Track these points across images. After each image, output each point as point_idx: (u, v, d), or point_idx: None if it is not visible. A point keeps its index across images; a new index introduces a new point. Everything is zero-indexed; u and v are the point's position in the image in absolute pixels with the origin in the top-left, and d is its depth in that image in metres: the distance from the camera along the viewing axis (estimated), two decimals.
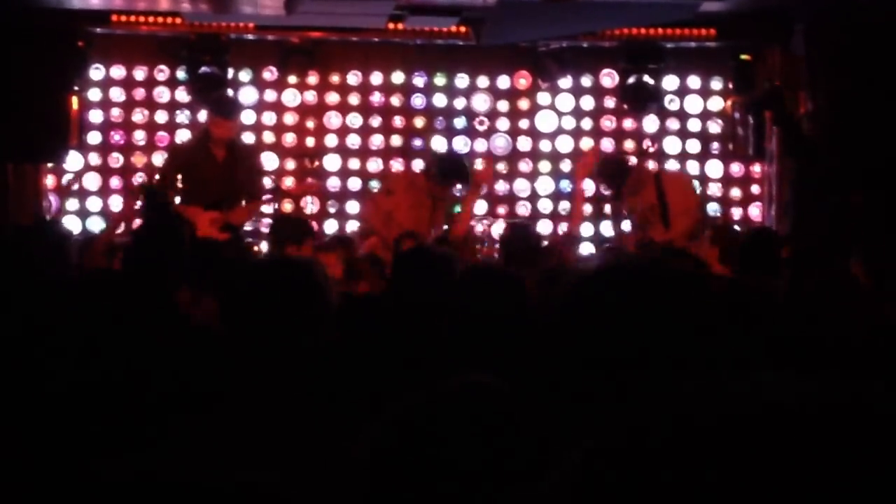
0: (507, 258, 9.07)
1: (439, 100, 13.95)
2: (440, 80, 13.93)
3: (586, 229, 13.79)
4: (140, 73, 13.60)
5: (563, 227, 13.78)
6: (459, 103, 13.98)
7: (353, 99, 13.85)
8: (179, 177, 11.23)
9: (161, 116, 13.62)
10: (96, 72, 13.42)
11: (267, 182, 12.94)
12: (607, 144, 14.04)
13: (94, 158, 13.54)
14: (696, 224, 11.45)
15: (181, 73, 13.40)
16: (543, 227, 13.80)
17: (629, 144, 14.03)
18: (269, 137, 13.74)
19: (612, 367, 2.93)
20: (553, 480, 0.96)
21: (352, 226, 13.57)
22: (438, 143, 13.82)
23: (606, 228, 13.77)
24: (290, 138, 13.79)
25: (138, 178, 13.05)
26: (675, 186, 11.69)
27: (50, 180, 13.30)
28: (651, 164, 12.95)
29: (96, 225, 13.30)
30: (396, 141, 13.91)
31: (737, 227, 12.79)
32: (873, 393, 0.91)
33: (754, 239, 8.79)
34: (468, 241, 11.00)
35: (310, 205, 13.68)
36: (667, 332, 2.98)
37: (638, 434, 0.94)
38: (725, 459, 0.90)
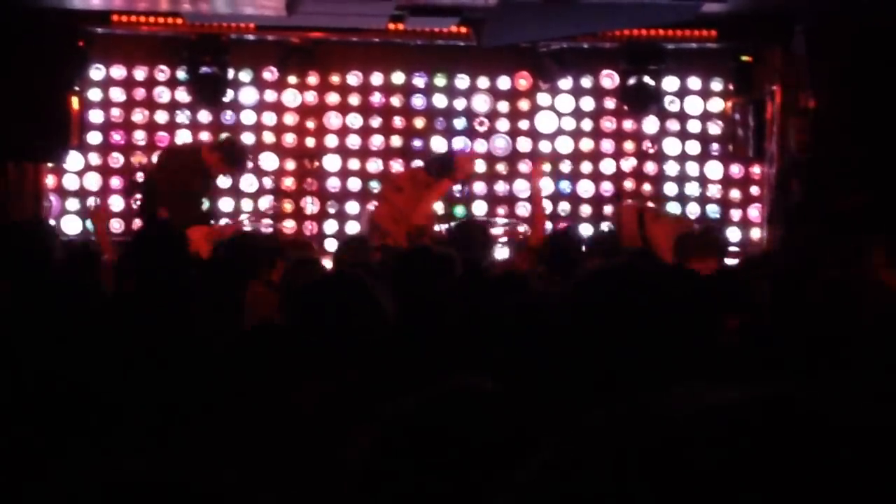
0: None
1: (439, 100, 13.95)
2: (440, 80, 13.93)
3: (584, 230, 13.77)
4: (140, 74, 13.60)
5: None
6: (460, 104, 13.98)
7: (354, 99, 13.85)
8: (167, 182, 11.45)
9: (161, 116, 13.62)
10: (97, 72, 13.42)
11: (267, 182, 13.02)
12: (607, 146, 14.04)
13: (95, 158, 13.54)
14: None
15: (181, 74, 13.41)
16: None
17: (629, 145, 14.03)
18: (269, 138, 13.75)
19: (611, 367, 2.93)
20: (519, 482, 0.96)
21: (351, 226, 13.58)
22: (438, 144, 13.82)
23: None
24: (290, 139, 13.79)
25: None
26: (657, 231, 11.60)
27: (50, 180, 13.30)
28: (630, 202, 13.03)
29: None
30: (396, 141, 13.91)
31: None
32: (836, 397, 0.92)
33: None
34: (426, 230, 11.00)
35: (310, 205, 13.69)
36: (667, 333, 2.99)
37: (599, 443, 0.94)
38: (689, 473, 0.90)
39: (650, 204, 13.60)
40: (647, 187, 13.95)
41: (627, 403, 0.97)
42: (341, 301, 4.08)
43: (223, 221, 12.85)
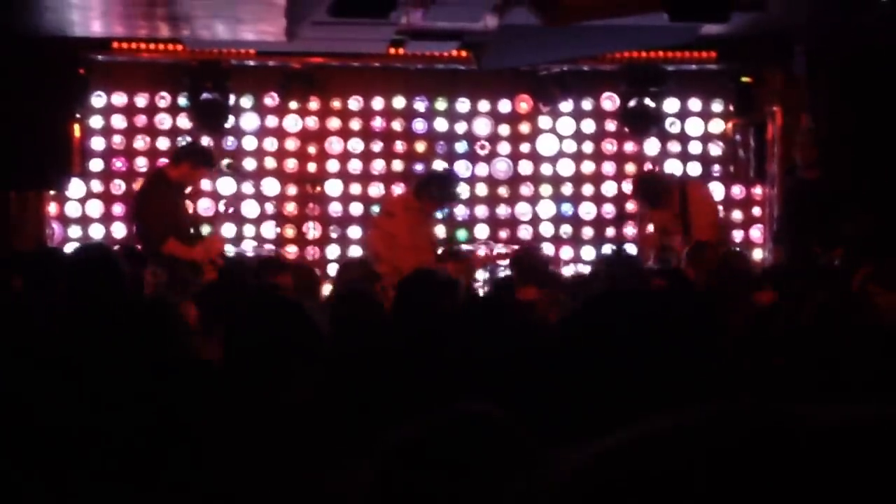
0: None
1: (440, 124, 13.95)
2: (441, 104, 13.93)
3: (587, 252, 13.79)
4: (141, 100, 13.60)
5: (565, 251, 13.81)
6: (461, 127, 13.98)
7: (355, 124, 13.86)
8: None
9: (163, 143, 13.61)
10: (98, 99, 13.42)
11: (269, 208, 13.05)
12: (608, 168, 14.05)
13: (97, 185, 13.53)
14: (716, 237, 11.60)
15: (183, 100, 13.41)
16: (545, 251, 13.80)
17: (630, 168, 14.02)
18: (270, 163, 13.74)
19: (611, 389, 2.92)
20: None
21: (353, 251, 13.57)
22: (440, 168, 13.82)
23: (608, 252, 13.77)
24: (291, 164, 13.79)
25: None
26: (698, 199, 11.81)
27: (53, 208, 13.29)
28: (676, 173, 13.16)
29: None
30: (398, 166, 13.90)
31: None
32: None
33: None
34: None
35: (312, 230, 13.68)
36: (666, 357, 2.98)
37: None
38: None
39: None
40: None
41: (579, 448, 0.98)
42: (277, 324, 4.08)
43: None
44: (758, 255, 13.71)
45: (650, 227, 12.26)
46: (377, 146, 13.88)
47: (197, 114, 13.22)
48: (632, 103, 13.55)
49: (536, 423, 2.14)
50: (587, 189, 14.03)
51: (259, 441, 3.65)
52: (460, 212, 13.78)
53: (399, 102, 13.89)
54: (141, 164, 13.57)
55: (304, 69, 13.39)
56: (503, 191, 14.02)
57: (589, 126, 14.04)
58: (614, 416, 2.89)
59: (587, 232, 14.00)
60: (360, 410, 3.76)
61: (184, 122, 13.54)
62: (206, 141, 13.46)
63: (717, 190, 13.95)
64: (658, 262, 11.19)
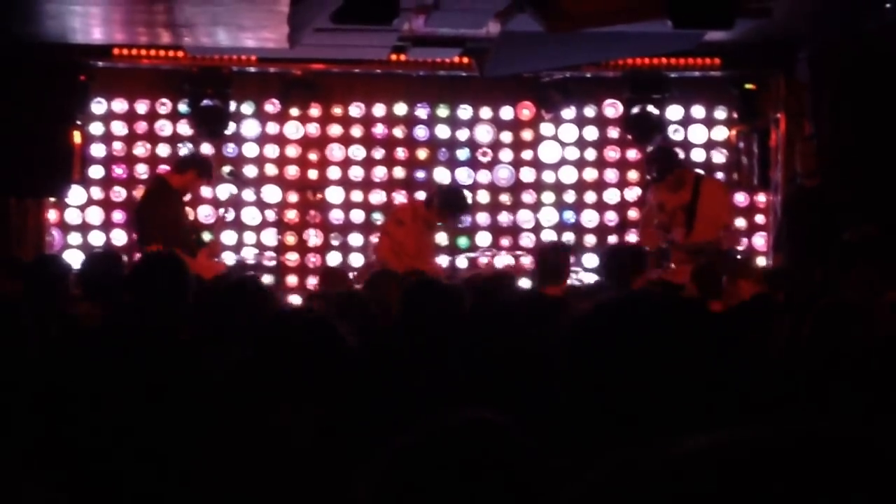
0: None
1: (442, 131, 13.92)
2: (443, 111, 13.90)
3: (589, 260, 13.74)
4: (142, 107, 13.57)
5: None
6: (462, 134, 13.95)
7: (356, 131, 13.82)
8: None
9: (163, 150, 13.58)
10: (98, 105, 13.39)
11: (270, 215, 13.02)
12: (611, 176, 14.01)
13: (97, 192, 13.50)
14: (719, 234, 11.63)
15: (183, 107, 13.38)
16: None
17: (633, 175, 13.98)
18: (271, 170, 13.71)
19: (616, 401, 2.87)
20: None
21: (355, 258, 13.54)
22: (441, 175, 13.79)
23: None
24: (292, 170, 13.75)
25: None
26: (711, 194, 11.79)
27: (53, 215, 13.26)
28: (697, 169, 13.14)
29: None
30: (399, 173, 13.87)
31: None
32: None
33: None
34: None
35: (313, 237, 13.65)
36: (671, 367, 2.92)
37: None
38: None
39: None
40: None
41: (615, 459, 0.95)
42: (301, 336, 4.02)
43: (226, 255, 12.84)
44: (761, 262, 13.66)
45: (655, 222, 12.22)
46: (379, 153, 13.85)
47: (197, 120, 13.19)
48: (635, 110, 13.51)
49: (539, 430, 2.10)
50: (590, 197, 14.00)
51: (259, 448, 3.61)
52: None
53: (401, 109, 13.86)
54: (141, 170, 13.54)
55: (305, 76, 13.36)
56: (505, 198, 13.99)
57: (591, 133, 14.00)
58: (616, 421, 2.84)
59: (589, 240, 13.95)
60: (365, 416, 3.72)
61: (184, 128, 13.51)
62: (206, 148, 13.44)
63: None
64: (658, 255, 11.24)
